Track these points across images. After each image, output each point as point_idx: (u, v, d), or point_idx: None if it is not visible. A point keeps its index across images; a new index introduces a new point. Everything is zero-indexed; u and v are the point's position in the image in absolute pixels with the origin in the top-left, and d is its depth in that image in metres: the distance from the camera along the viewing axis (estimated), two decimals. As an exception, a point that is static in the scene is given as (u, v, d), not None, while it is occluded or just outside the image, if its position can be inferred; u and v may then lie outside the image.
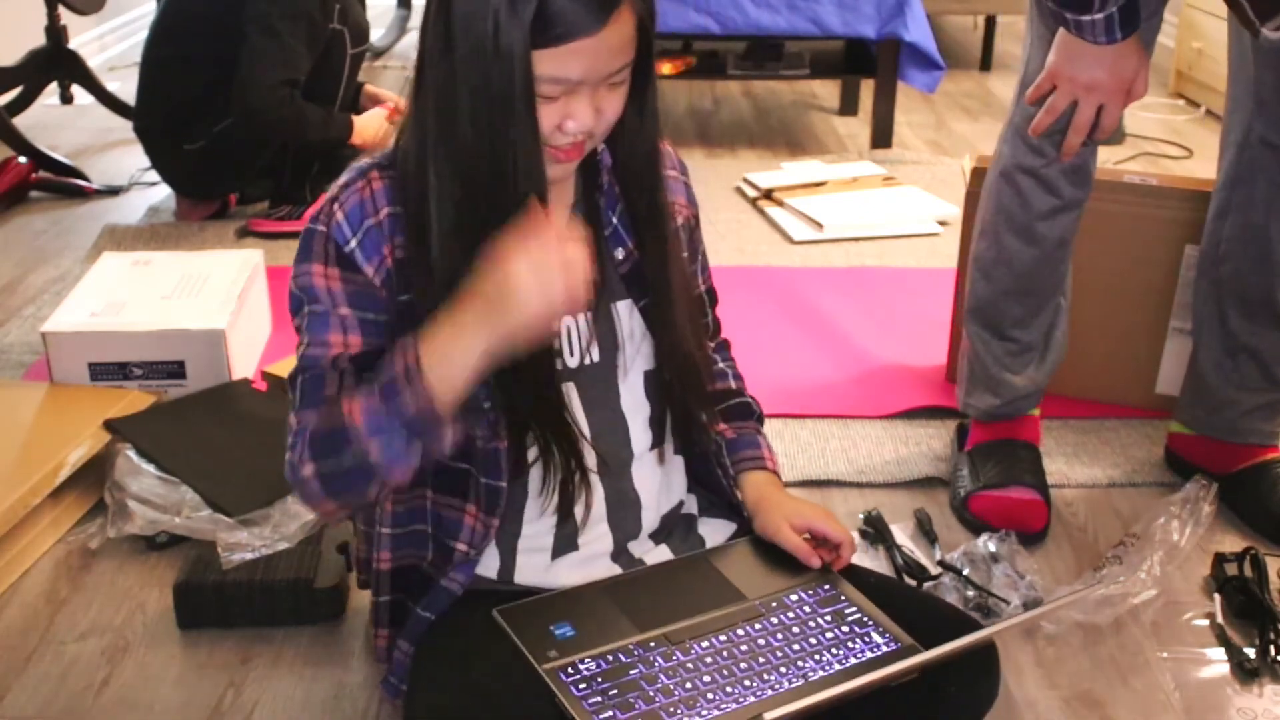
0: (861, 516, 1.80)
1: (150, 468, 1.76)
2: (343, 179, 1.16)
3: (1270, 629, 1.55)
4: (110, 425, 1.84)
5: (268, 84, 2.68)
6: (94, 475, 1.82)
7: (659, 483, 1.29)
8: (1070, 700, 1.48)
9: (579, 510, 1.21)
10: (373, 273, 1.13)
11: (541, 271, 1.01)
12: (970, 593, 1.60)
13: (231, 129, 2.79)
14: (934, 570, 1.66)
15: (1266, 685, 1.50)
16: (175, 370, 2.05)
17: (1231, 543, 1.76)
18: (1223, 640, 1.57)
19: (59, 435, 1.80)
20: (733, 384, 1.41)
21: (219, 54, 2.73)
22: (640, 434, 1.26)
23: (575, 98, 1.08)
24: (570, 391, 1.21)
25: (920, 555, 1.71)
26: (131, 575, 1.70)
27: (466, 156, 1.08)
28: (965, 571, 1.63)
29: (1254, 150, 1.72)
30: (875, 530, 1.76)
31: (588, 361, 1.22)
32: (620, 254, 1.23)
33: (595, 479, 1.22)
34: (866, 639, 1.16)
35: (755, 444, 1.37)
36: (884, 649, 1.15)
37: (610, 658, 1.10)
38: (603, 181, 1.22)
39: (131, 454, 1.78)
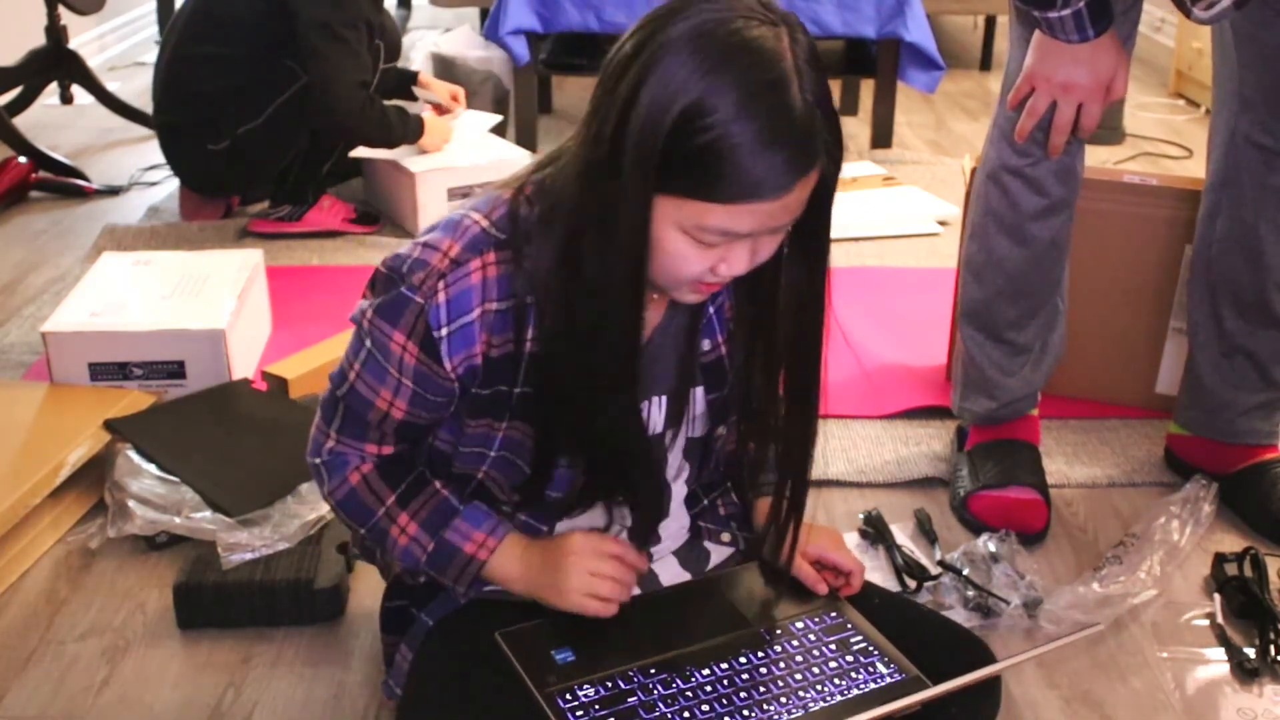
0: (861, 516, 1.80)
1: (150, 468, 1.76)
2: (456, 246, 1.06)
3: (1270, 629, 1.55)
4: (110, 425, 1.84)
5: (349, 87, 2.71)
6: (94, 475, 1.81)
7: (677, 516, 1.27)
8: (1070, 700, 1.48)
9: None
10: (451, 367, 1.08)
11: (591, 582, 1.13)
12: (970, 593, 1.60)
13: (255, 132, 2.79)
14: (934, 570, 1.66)
15: (1266, 685, 1.50)
16: (175, 370, 2.05)
17: (1231, 543, 1.76)
18: (1223, 640, 1.57)
19: (59, 435, 1.80)
20: None
21: (254, 57, 2.74)
22: (679, 491, 1.26)
23: (736, 246, 1.02)
24: None
25: (920, 555, 1.71)
26: (131, 575, 1.70)
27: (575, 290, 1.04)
28: (965, 571, 1.63)
29: (1240, 150, 1.72)
30: (875, 530, 1.76)
31: (650, 433, 1.20)
32: (707, 345, 1.19)
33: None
34: (870, 669, 1.14)
35: (774, 468, 1.33)
36: (888, 679, 1.13)
37: (609, 684, 1.09)
38: None
39: (131, 454, 1.78)
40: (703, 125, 0.94)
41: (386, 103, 2.88)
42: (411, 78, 3.17)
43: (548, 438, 1.13)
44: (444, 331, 1.06)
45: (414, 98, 3.19)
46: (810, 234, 1.07)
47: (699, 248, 1.01)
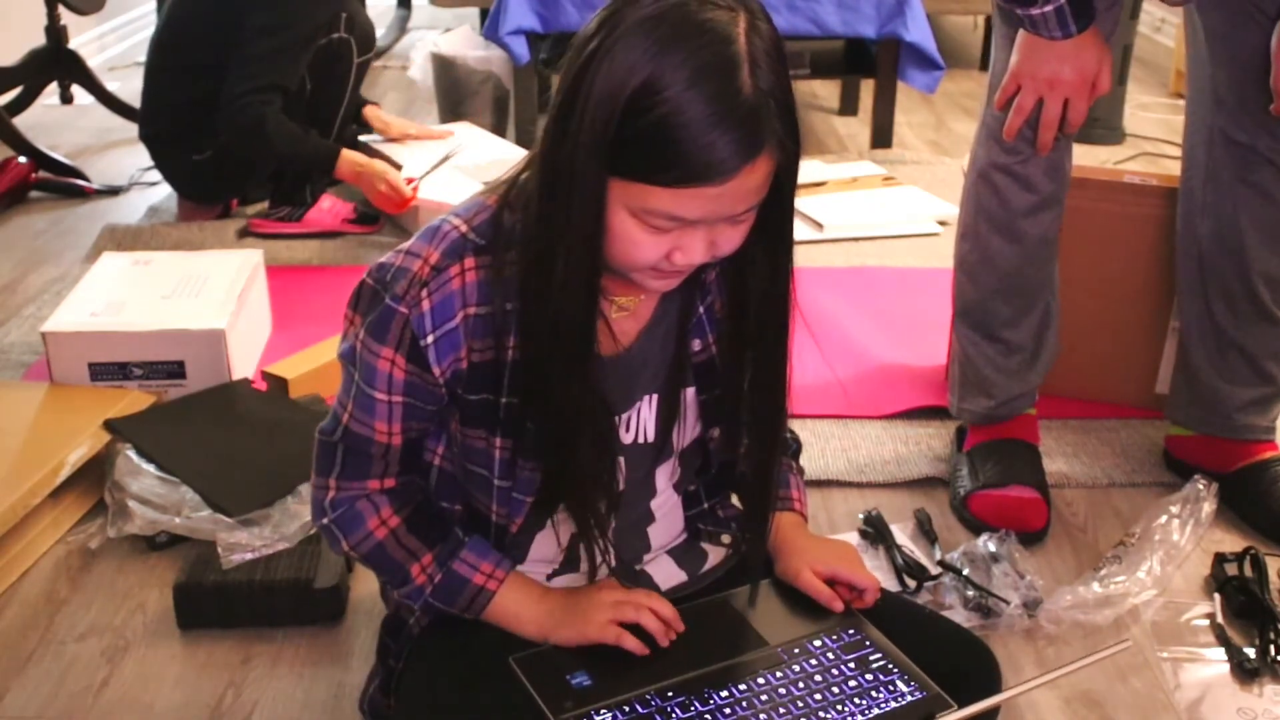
0: (861, 516, 1.80)
1: (150, 468, 1.76)
2: (435, 253, 1.05)
3: (1270, 629, 1.55)
4: (110, 425, 1.84)
5: (235, 92, 2.66)
6: (94, 475, 1.82)
7: (670, 522, 1.26)
8: (1070, 700, 1.48)
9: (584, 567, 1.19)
10: (439, 372, 1.07)
11: (622, 613, 1.12)
12: (970, 593, 1.60)
13: None
14: (934, 570, 1.66)
15: (1266, 685, 1.50)
16: (175, 370, 2.05)
17: (1231, 543, 1.76)
18: (1223, 640, 1.57)
19: (59, 435, 1.80)
20: None
21: (221, 63, 2.72)
22: (664, 489, 1.24)
23: (689, 233, 1.00)
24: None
25: (920, 555, 1.71)
26: (131, 575, 1.70)
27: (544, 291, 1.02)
28: (965, 571, 1.63)
29: (1219, 148, 1.75)
30: (875, 530, 1.76)
31: (641, 440, 1.19)
32: (697, 345, 1.18)
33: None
34: (890, 687, 1.11)
35: (786, 482, 1.31)
36: (909, 699, 1.10)
37: (627, 708, 1.07)
38: (705, 277, 1.16)
39: (131, 454, 1.78)
40: (651, 104, 0.93)
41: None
42: (358, 106, 3.09)
43: (522, 442, 1.11)
44: (430, 339, 1.05)
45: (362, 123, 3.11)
46: (771, 231, 1.07)
47: (650, 232, 1.00)
